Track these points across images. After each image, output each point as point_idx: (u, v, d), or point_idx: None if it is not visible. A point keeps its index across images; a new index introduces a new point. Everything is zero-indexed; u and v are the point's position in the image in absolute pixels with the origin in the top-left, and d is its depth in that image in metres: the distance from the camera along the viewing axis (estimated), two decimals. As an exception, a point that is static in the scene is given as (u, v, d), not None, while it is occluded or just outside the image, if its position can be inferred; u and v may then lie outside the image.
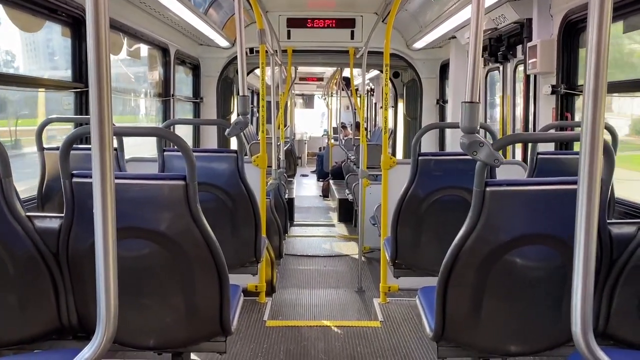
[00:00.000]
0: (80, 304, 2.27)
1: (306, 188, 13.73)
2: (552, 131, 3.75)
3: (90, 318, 2.27)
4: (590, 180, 1.27)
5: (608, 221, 2.10)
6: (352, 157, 9.88)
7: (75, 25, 4.19)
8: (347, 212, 8.92)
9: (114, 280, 1.34)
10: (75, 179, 2.12)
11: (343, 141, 13.21)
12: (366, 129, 15.53)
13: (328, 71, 14.10)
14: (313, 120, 21.91)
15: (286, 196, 7.66)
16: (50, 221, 2.21)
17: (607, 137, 3.29)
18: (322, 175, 13.67)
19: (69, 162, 2.12)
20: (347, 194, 8.77)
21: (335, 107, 15.34)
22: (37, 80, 4.12)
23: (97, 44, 1.26)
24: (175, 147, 2.17)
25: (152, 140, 5.68)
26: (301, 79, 15.63)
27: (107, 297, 1.34)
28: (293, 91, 14.12)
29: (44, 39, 4.44)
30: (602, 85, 1.24)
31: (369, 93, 16.22)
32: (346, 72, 11.00)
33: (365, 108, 17.90)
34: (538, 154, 3.38)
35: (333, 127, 15.61)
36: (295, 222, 8.88)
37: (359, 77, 11.23)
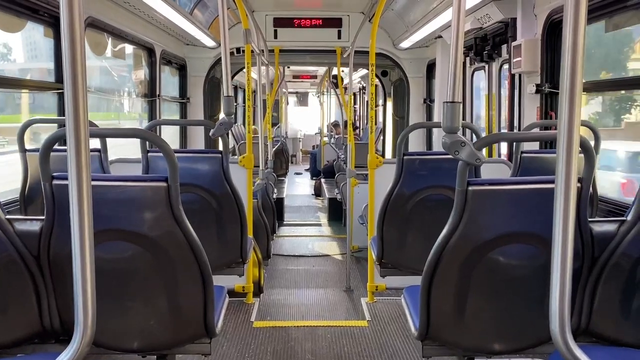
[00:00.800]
0: (62, 308, 2.25)
1: (299, 187, 13.69)
2: (536, 130, 3.78)
3: (73, 321, 2.24)
4: (567, 179, 1.28)
5: (590, 219, 2.11)
6: (342, 156, 9.87)
7: (57, 26, 4.15)
8: (337, 212, 8.92)
9: (91, 283, 1.33)
10: (55, 181, 2.10)
11: (334, 140, 13.17)
12: (357, 127, 15.54)
13: (321, 69, 14.07)
14: (308, 118, 21.85)
15: (274, 196, 7.64)
16: (31, 224, 2.18)
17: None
18: (315, 173, 13.59)
19: (50, 164, 2.10)
20: (337, 193, 8.77)
21: (327, 105, 15.33)
22: (20, 82, 4.08)
23: (72, 44, 1.24)
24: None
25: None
26: (295, 76, 15.60)
27: (84, 300, 1.32)
28: (284, 90, 14.06)
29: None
30: (577, 84, 1.25)
31: (361, 91, 16.20)
32: (337, 71, 10.99)
33: (358, 106, 17.80)
34: (522, 152, 3.40)
35: (326, 125, 15.60)
36: (284, 222, 8.86)
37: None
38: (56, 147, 2.19)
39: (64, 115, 4.16)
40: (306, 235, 8.13)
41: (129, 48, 6.03)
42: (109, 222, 2.08)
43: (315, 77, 15.66)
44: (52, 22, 4.09)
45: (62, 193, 2.09)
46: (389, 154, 9.99)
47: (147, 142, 3.30)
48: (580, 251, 2.09)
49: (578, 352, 1.26)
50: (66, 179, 2.06)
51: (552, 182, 2.01)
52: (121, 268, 2.20)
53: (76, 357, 1.32)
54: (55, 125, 4.01)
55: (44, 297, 2.22)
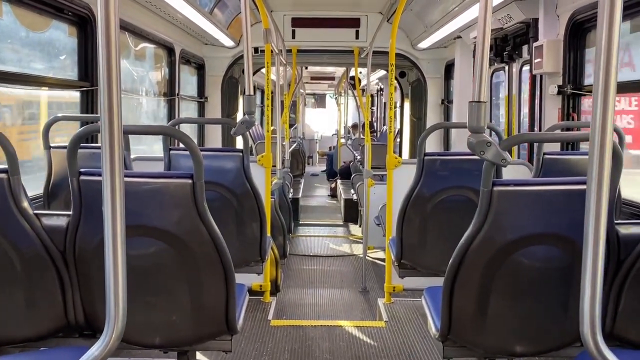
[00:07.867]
0: (86, 302, 2.28)
1: (316, 188, 13.70)
2: (558, 131, 3.75)
3: (97, 316, 2.28)
4: (600, 181, 1.27)
5: (615, 222, 2.09)
6: (359, 157, 9.87)
7: (82, 25, 4.20)
8: (353, 212, 8.92)
9: (123, 278, 1.34)
10: (82, 177, 2.13)
11: (351, 141, 13.14)
12: (375, 130, 15.47)
13: (339, 70, 14.03)
14: (325, 120, 21.87)
15: (291, 196, 7.66)
16: (58, 219, 2.22)
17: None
18: (331, 174, 13.61)
19: (77, 160, 2.13)
20: (352, 194, 8.77)
21: (344, 106, 15.32)
22: (42, 79, 4.12)
23: (108, 44, 1.27)
24: (181, 145, 2.17)
25: (141, 138, 5.65)
26: (312, 78, 15.57)
27: (115, 295, 1.34)
28: (302, 90, 14.02)
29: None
30: (611, 85, 1.24)
31: (379, 92, 16.13)
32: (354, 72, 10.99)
33: (376, 107, 17.68)
34: (544, 154, 3.37)
35: (343, 127, 15.54)
36: (300, 222, 8.88)
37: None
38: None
39: (86, 113, 4.18)
40: (322, 235, 8.14)
41: (148, 47, 6.09)
42: (135, 218, 2.10)
43: (332, 78, 15.61)
44: (76, 21, 4.14)
45: (89, 188, 2.12)
46: (405, 155, 9.96)
47: (169, 140, 3.33)
48: (606, 253, 2.06)
49: (609, 355, 1.25)
50: (93, 174, 2.11)
51: (579, 183, 2.02)
52: (145, 264, 2.22)
53: (107, 351, 1.34)
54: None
55: (68, 292, 2.26)
